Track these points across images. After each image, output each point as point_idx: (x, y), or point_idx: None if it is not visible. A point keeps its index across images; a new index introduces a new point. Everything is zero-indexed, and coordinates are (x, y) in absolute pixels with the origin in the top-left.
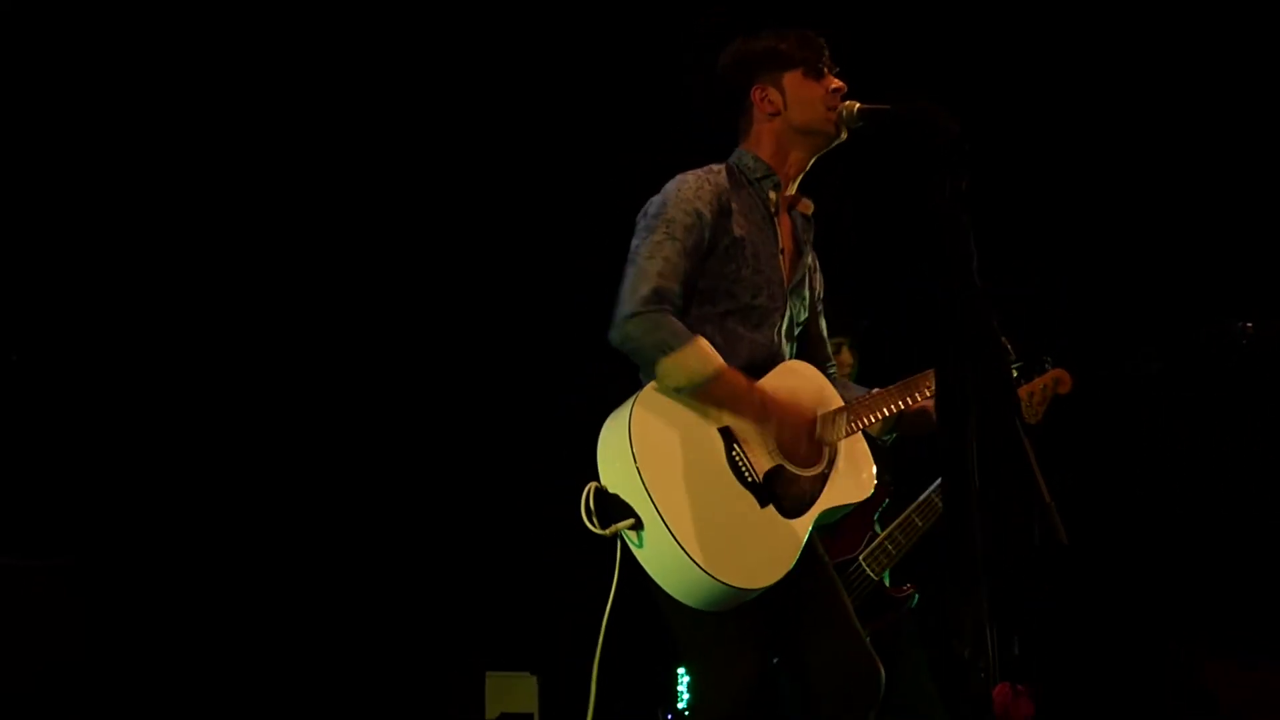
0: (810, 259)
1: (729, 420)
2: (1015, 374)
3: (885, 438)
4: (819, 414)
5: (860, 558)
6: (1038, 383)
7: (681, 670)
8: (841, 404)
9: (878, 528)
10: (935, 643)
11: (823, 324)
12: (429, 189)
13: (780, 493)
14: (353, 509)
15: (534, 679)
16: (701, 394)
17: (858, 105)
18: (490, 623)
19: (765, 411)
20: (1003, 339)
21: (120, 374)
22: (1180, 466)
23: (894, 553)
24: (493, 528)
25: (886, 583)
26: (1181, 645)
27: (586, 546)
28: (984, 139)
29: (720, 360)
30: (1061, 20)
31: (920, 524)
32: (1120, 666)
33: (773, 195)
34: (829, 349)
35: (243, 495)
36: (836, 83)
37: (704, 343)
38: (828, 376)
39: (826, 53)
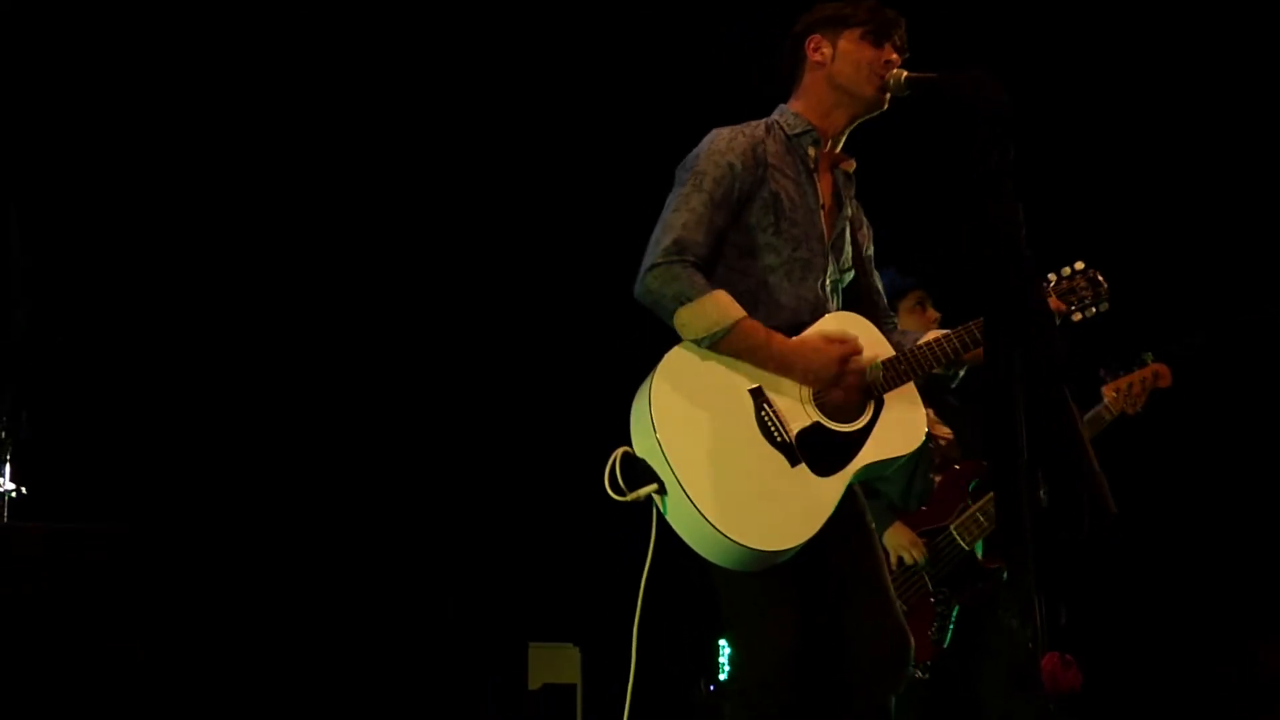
0: (851, 212)
1: (759, 379)
2: (1116, 365)
3: (950, 372)
4: (856, 357)
5: (951, 527)
6: (1137, 375)
7: (723, 642)
8: (891, 353)
9: (970, 500)
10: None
11: (876, 279)
12: (443, 169)
13: (815, 451)
14: (398, 482)
15: (576, 650)
16: (721, 346)
17: (905, 74)
18: (533, 594)
19: (786, 359)
20: (1094, 272)
21: (174, 356)
22: (1229, 443)
23: (985, 524)
24: (536, 499)
25: (979, 554)
26: (1231, 618)
27: (628, 517)
28: (1028, 121)
29: (740, 311)
30: (1098, 14)
31: None
32: (1168, 637)
33: (812, 151)
34: (884, 301)
35: (289, 469)
36: (892, 55)
37: (723, 294)
38: (883, 328)
39: (899, 31)
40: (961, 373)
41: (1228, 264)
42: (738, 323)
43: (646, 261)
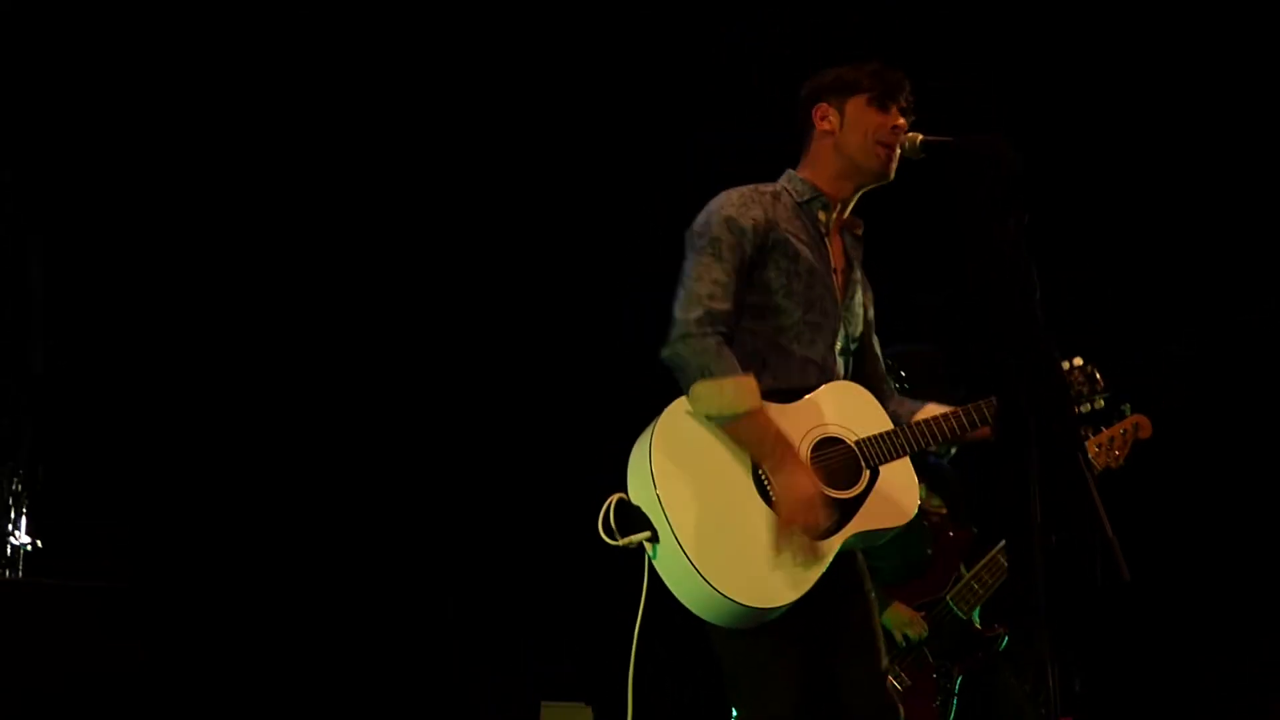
0: (859, 275)
1: None
2: (1092, 416)
3: (942, 450)
4: (856, 441)
5: (947, 597)
6: (1117, 428)
7: (735, 713)
8: (889, 427)
9: (964, 568)
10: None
11: (875, 342)
12: (466, 197)
13: None
14: (407, 538)
15: (589, 709)
16: (727, 428)
17: (920, 137)
18: (545, 652)
19: (776, 467)
20: (1091, 368)
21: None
22: (1234, 483)
23: (981, 592)
24: (549, 556)
25: (977, 622)
26: (1251, 682)
27: (643, 576)
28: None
29: (756, 403)
30: (1091, 11)
31: (1006, 564)
32: (1184, 704)
33: (822, 216)
34: (883, 366)
35: (293, 523)
36: (900, 120)
37: (748, 382)
38: (882, 394)
39: (905, 92)
40: (953, 451)
41: (1216, 267)
42: (749, 413)
43: (677, 331)
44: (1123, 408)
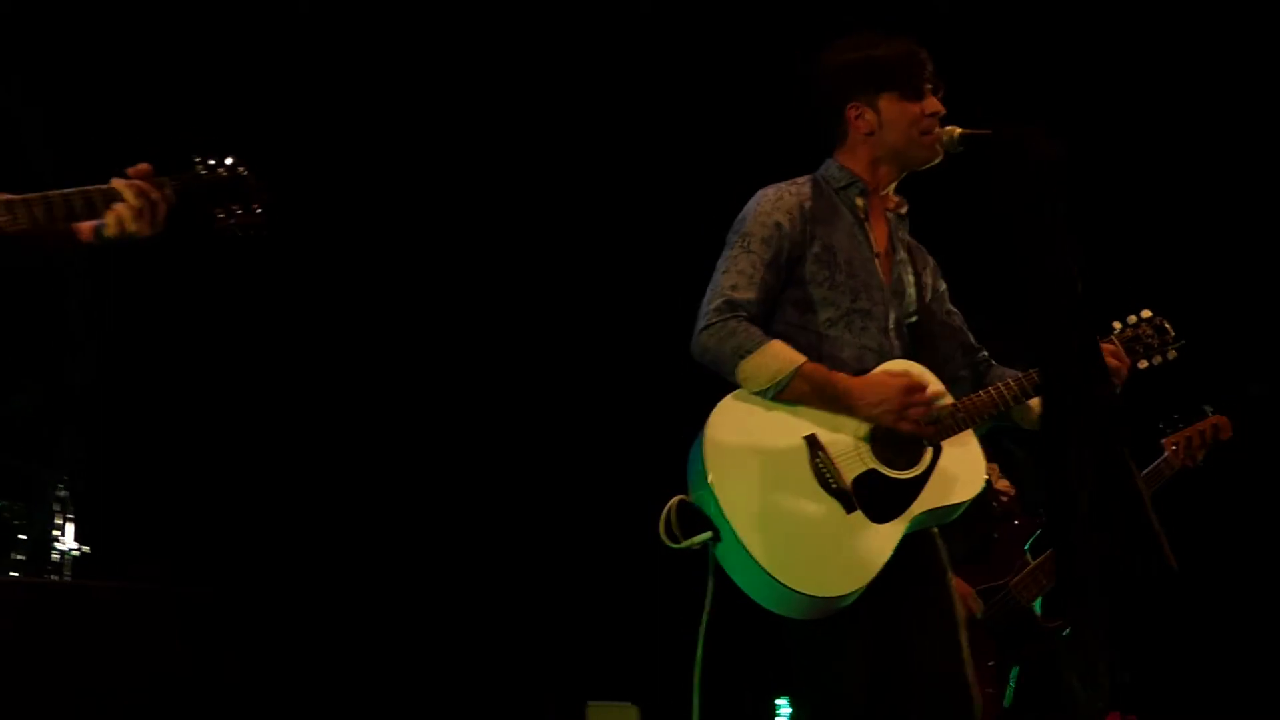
0: (903, 255)
1: (813, 426)
2: (1176, 418)
3: (1017, 418)
4: (920, 391)
5: (1010, 583)
6: (1197, 428)
7: (781, 702)
8: (947, 402)
9: (1030, 556)
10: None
11: (956, 316)
12: (486, 202)
13: (871, 497)
14: (455, 538)
15: (635, 709)
16: (786, 393)
17: (959, 130)
18: (592, 651)
19: (850, 395)
20: (1160, 320)
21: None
22: None
23: (1045, 582)
24: (596, 554)
25: (1038, 612)
26: None
27: (689, 572)
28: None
29: (800, 356)
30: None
31: None
32: (1235, 698)
33: (860, 201)
34: (969, 337)
35: (337, 525)
36: (935, 105)
37: (780, 343)
38: (975, 366)
39: (929, 69)
40: (987, 425)
41: None
42: (799, 368)
43: (699, 324)
44: (1205, 408)
